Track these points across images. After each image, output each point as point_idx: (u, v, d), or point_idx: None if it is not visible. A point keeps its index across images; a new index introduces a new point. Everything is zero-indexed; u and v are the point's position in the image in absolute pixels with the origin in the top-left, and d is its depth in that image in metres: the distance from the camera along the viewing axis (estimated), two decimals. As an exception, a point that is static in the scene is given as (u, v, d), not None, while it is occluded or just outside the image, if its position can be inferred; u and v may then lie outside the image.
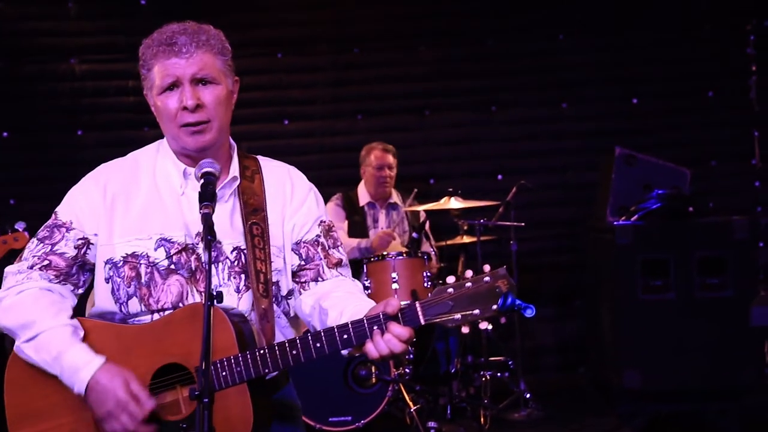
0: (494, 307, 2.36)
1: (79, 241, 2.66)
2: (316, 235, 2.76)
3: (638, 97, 7.54)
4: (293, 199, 2.76)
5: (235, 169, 2.72)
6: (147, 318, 2.60)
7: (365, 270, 5.92)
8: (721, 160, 7.48)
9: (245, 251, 2.63)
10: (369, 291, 5.83)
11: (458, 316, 2.38)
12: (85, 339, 2.58)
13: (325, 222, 2.80)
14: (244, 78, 8.22)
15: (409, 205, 6.64)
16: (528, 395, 6.11)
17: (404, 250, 6.08)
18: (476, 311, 2.38)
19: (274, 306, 2.65)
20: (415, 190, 6.64)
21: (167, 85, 2.59)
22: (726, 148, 7.49)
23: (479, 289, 2.38)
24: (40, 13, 7.52)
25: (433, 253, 6.38)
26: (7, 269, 2.68)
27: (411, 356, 5.77)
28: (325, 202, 6.62)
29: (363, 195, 6.76)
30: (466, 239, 6.31)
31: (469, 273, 2.43)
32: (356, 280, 2.82)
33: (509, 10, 7.54)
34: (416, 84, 7.59)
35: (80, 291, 2.72)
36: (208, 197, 2.43)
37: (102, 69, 7.48)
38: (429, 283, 5.87)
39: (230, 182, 2.69)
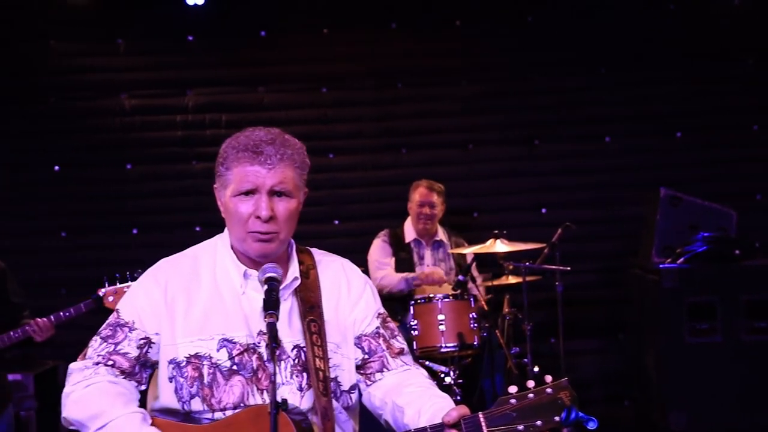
0: (557, 419, 2.41)
1: (142, 341, 2.69)
2: (376, 328, 2.82)
3: (682, 130, 7.54)
4: (350, 295, 2.82)
5: (295, 269, 2.77)
6: (209, 416, 2.64)
7: (412, 311, 6.00)
8: (767, 193, 7.46)
9: (305, 349, 2.68)
10: (416, 332, 5.91)
11: (521, 427, 2.41)
12: None
13: (382, 314, 2.87)
14: (289, 112, 8.33)
15: (453, 242, 6.70)
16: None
17: (451, 291, 6.14)
18: (539, 422, 2.41)
19: (334, 402, 2.69)
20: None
21: (245, 190, 2.64)
22: (771, 181, 7.47)
23: (542, 400, 2.42)
24: (89, 50, 7.67)
25: (479, 294, 6.42)
26: (72, 366, 2.73)
27: (458, 398, 5.82)
28: (374, 236, 6.78)
29: (409, 231, 6.81)
30: (512, 279, 6.36)
31: (530, 383, 2.47)
32: (420, 368, 2.87)
33: (552, 44, 7.56)
34: (459, 118, 7.64)
35: (143, 387, 2.76)
36: (272, 305, 2.47)
37: (150, 104, 7.62)
38: (475, 325, 5.94)
39: (291, 283, 2.75)
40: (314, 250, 2.90)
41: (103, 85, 7.61)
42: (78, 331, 6.45)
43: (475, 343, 5.95)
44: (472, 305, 6.00)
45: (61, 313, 4.84)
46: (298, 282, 2.76)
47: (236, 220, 2.67)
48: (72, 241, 7.55)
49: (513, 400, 2.44)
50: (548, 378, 2.46)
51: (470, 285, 6.31)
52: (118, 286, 4.93)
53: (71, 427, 2.70)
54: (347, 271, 2.88)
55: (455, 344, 5.89)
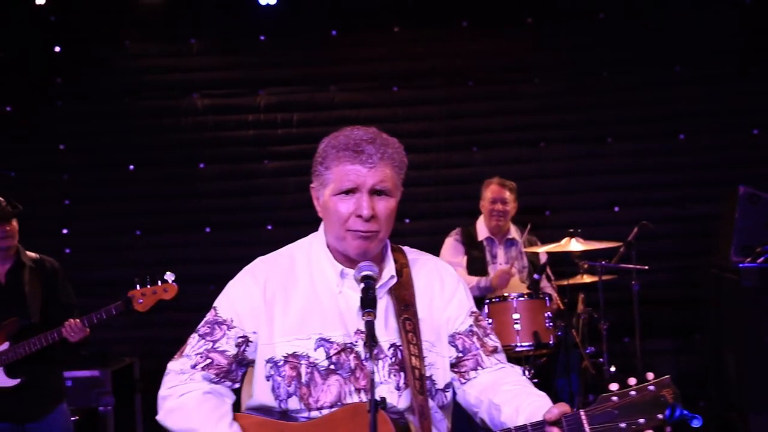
0: (660, 416, 2.36)
1: (240, 339, 2.71)
2: (470, 326, 2.81)
3: (759, 128, 7.40)
4: (444, 293, 2.81)
5: (391, 268, 2.76)
6: (305, 415, 2.65)
7: (487, 310, 5.97)
8: None
9: (401, 347, 2.67)
10: (490, 331, 5.87)
11: (623, 424, 2.38)
12: None
13: (475, 312, 2.86)
14: (360, 111, 8.34)
15: (525, 239, 6.64)
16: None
17: (525, 290, 6.11)
18: (641, 420, 2.37)
19: (430, 401, 2.68)
20: (529, 225, 6.62)
21: (345, 189, 2.64)
22: None
23: (644, 397, 2.38)
24: (163, 51, 7.80)
25: (554, 293, 6.37)
26: (170, 366, 2.75)
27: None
28: (444, 235, 6.75)
29: (482, 230, 6.77)
30: (587, 279, 6.30)
31: (632, 380, 2.42)
32: (515, 366, 2.85)
33: (624, 42, 7.49)
34: (531, 116, 7.60)
35: (237, 386, 2.77)
36: (369, 303, 2.47)
37: (223, 103, 7.71)
38: (550, 324, 5.90)
39: (387, 282, 2.74)
40: (407, 249, 2.90)
41: (177, 85, 7.73)
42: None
43: (551, 342, 5.91)
44: (547, 304, 5.96)
45: (93, 316, 4.89)
46: (395, 281, 2.76)
47: (336, 218, 2.67)
48: (146, 240, 7.67)
49: (614, 398, 2.40)
50: (650, 375, 2.41)
51: (545, 284, 6.26)
52: (148, 287, 4.95)
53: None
54: (440, 270, 2.88)
55: (530, 343, 5.85)
